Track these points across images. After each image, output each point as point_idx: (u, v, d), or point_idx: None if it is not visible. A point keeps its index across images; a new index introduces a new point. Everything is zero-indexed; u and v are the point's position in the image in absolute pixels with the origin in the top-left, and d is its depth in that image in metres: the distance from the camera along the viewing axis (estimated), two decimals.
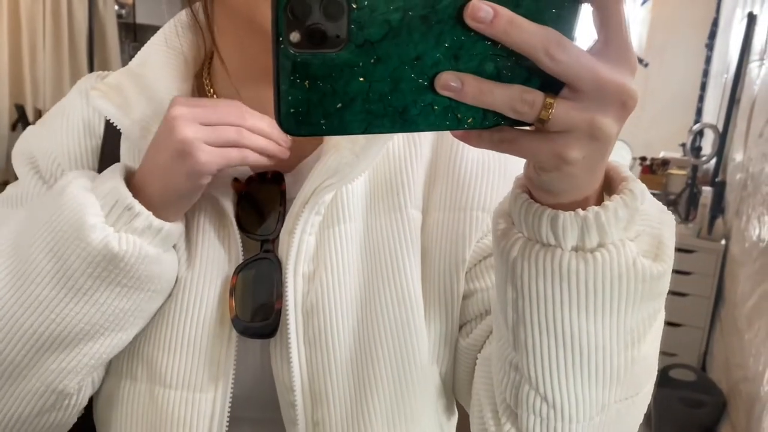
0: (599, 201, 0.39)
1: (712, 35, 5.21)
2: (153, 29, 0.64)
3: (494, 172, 0.57)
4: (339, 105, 0.31)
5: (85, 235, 0.48)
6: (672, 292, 2.82)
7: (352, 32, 0.30)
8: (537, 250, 0.39)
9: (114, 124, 0.57)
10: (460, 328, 0.57)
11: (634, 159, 3.38)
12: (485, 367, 0.52)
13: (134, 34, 4.94)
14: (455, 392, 0.60)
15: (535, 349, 0.41)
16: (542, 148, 0.34)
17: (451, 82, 0.31)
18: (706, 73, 5.24)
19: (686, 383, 2.45)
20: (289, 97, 0.31)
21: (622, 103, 0.33)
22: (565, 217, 0.37)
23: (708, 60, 5.29)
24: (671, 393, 2.37)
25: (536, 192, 0.39)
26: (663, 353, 2.82)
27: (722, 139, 2.98)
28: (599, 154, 0.35)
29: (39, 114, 4.23)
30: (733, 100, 3.04)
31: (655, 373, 0.48)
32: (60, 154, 0.60)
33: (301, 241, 0.53)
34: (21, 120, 4.02)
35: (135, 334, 0.56)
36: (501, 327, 0.45)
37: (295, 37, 0.30)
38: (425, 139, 0.58)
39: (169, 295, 0.55)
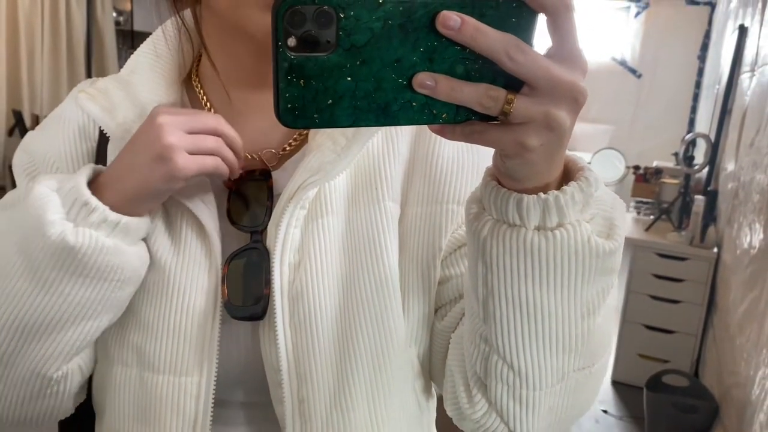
0: (559, 188, 0.44)
1: (705, 47, 5.28)
2: None
3: (467, 168, 0.62)
4: (330, 101, 0.36)
5: (45, 230, 0.52)
6: (665, 300, 2.86)
7: (340, 38, 0.35)
8: (504, 229, 0.44)
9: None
10: (436, 311, 0.62)
11: (628, 168, 3.42)
12: (458, 345, 0.58)
13: (132, 41, 4.96)
14: (431, 373, 0.65)
15: (503, 321, 0.47)
16: (506, 138, 0.39)
17: (427, 81, 0.36)
18: (698, 85, 5.30)
19: (679, 389, 2.48)
20: (287, 95, 0.35)
21: (574, 99, 0.38)
22: (529, 200, 0.43)
23: (700, 72, 5.35)
24: (664, 398, 2.40)
25: (503, 179, 0.44)
26: (656, 359, 2.85)
27: (714, 148, 3.02)
28: (556, 142, 0.40)
29: (36, 120, 4.23)
30: (725, 111, 3.09)
31: (610, 349, 0.54)
32: (57, 157, 0.64)
33: (287, 233, 0.57)
34: (18, 125, 4.02)
35: (112, 321, 0.60)
36: (473, 303, 0.50)
37: (291, 42, 0.34)
38: (402, 138, 0.62)
39: (156, 284, 0.59)
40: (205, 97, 0.65)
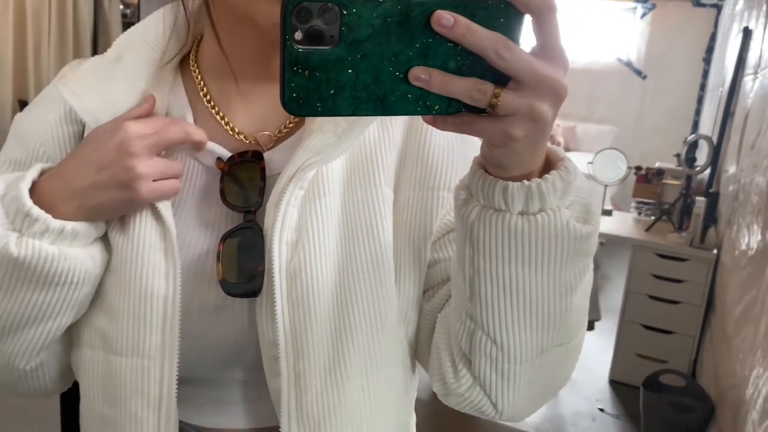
0: (541, 176, 0.47)
1: (710, 50, 5.27)
2: None
3: (457, 157, 0.65)
4: (332, 91, 0.39)
5: None
6: (664, 300, 2.86)
7: (343, 33, 0.38)
8: (491, 214, 0.48)
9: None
10: (424, 292, 0.65)
11: (630, 168, 3.43)
12: (444, 324, 0.61)
13: None
14: (417, 352, 0.68)
15: (488, 299, 0.51)
16: (493, 128, 0.42)
17: (422, 75, 0.39)
18: (702, 87, 5.30)
19: (676, 388, 2.49)
20: (292, 84, 0.38)
21: (555, 93, 0.42)
22: (514, 186, 0.46)
23: (705, 74, 5.34)
24: (661, 398, 2.41)
25: (490, 168, 0.48)
26: (654, 359, 2.86)
27: (716, 150, 3.02)
28: (539, 133, 0.43)
29: None
30: (728, 113, 3.09)
31: (584, 328, 0.58)
32: (45, 140, 0.65)
33: (285, 213, 0.59)
34: None
35: (76, 318, 0.62)
36: (459, 283, 0.54)
37: (298, 35, 0.37)
38: (396, 127, 0.65)
39: (116, 268, 0.61)
40: (202, 83, 0.66)
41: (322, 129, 0.59)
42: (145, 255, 0.59)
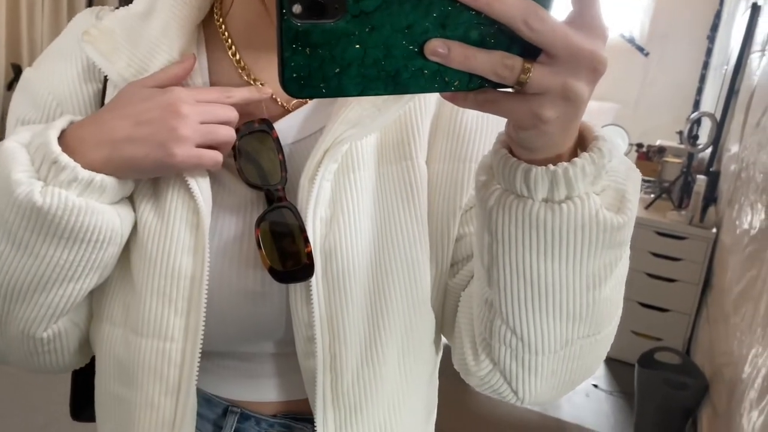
0: (572, 157, 0.42)
1: (714, 28, 5.20)
2: None
3: (491, 128, 0.60)
4: (337, 70, 0.34)
5: (11, 190, 0.50)
6: (661, 278, 2.86)
7: (348, 4, 0.33)
8: (511, 200, 0.43)
9: None
10: (450, 267, 0.61)
11: (631, 145, 3.40)
12: (467, 304, 0.57)
13: None
14: (443, 329, 0.65)
15: (506, 288, 0.47)
16: (521, 108, 0.37)
17: (440, 49, 0.34)
18: (706, 66, 5.24)
19: (671, 366, 2.49)
20: (292, 63, 0.34)
21: (593, 69, 0.36)
22: (537, 171, 0.41)
23: (709, 52, 5.28)
24: (656, 375, 2.41)
25: (515, 148, 0.43)
26: (649, 337, 2.86)
27: (719, 128, 2.99)
28: (572, 114, 0.38)
29: None
30: (732, 91, 3.05)
31: (617, 317, 0.54)
32: (62, 99, 0.60)
33: (320, 188, 0.55)
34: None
35: (98, 283, 0.57)
36: (479, 267, 0.50)
37: (297, 8, 0.33)
38: (431, 96, 0.60)
39: (141, 242, 0.56)
40: (230, 40, 0.61)
41: (359, 99, 0.54)
42: (173, 230, 0.55)
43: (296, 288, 0.56)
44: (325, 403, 0.56)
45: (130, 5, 0.61)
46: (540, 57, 0.36)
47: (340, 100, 0.56)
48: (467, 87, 0.36)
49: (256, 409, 0.64)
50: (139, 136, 0.52)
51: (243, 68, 0.60)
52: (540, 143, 0.40)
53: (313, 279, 0.55)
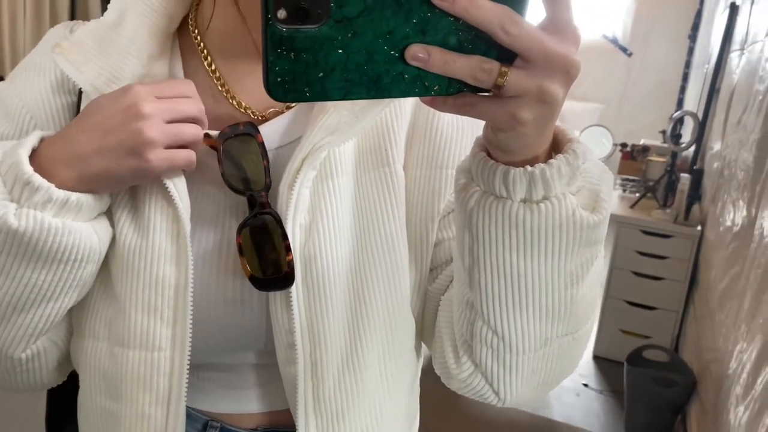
0: (547, 160, 0.43)
1: (696, 27, 5.25)
2: None
3: (467, 134, 0.61)
4: (321, 74, 0.35)
5: None
6: (648, 276, 2.88)
7: (332, 10, 0.34)
8: (491, 201, 0.44)
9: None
10: (429, 272, 0.62)
11: (615, 145, 3.43)
12: (447, 308, 0.58)
13: None
14: (422, 334, 0.65)
15: (487, 288, 0.48)
16: (498, 111, 0.39)
17: (419, 53, 0.35)
18: (688, 64, 5.29)
19: (659, 363, 2.51)
20: (276, 68, 0.35)
21: (567, 72, 0.38)
22: (516, 172, 0.43)
23: (690, 51, 5.34)
24: (644, 372, 2.43)
25: (493, 151, 0.44)
26: (638, 335, 2.88)
27: (701, 127, 3.03)
28: (548, 115, 0.40)
29: None
30: (713, 90, 3.09)
31: (594, 316, 0.55)
32: (35, 111, 0.60)
33: (299, 195, 0.55)
34: None
35: (77, 301, 0.57)
36: (459, 270, 0.51)
37: (281, 14, 0.33)
38: (407, 102, 0.61)
39: (122, 254, 0.56)
40: (202, 44, 0.61)
41: (337, 106, 0.55)
42: (154, 239, 0.55)
43: (276, 295, 0.56)
44: (306, 411, 0.56)
45: (101, 17, 0.61)
46: (516, 61, 0.37)
47: (318, 106, 0.56)
48: (446, 91, 0.37)
49: (237, 422, 0.63)
50: (107, 147, 0.51)
51: (218, 78, 0.61)
52: (517, 145, 0.42)
53: (293, 285, 0.55)
